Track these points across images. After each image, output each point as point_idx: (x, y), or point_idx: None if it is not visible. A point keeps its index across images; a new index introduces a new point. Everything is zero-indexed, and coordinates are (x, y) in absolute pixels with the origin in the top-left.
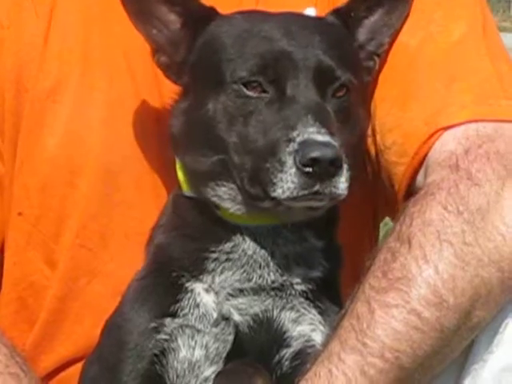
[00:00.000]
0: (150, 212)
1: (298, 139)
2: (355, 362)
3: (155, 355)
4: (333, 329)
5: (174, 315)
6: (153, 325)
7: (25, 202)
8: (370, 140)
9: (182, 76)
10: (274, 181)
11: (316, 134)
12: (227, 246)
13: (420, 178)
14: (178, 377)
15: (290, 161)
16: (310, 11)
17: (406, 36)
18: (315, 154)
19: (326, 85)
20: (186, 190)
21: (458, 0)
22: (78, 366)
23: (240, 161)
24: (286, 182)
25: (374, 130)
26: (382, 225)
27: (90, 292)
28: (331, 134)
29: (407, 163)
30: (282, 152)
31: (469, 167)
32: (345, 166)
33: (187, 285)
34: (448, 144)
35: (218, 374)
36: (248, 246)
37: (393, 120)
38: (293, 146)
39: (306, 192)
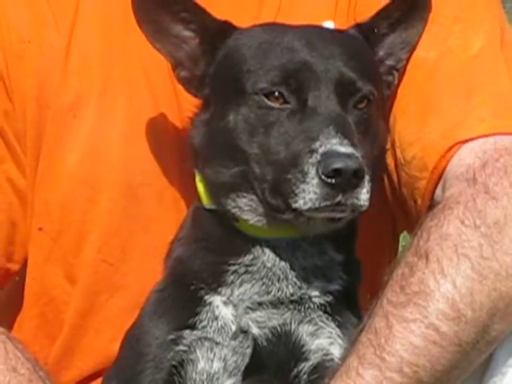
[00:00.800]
0: (171, 226)
1: (321, 150)
2: (373, 377)
3: (174, 366)
4: (351, 344)
5: (192, 327)
6: (171, 337)
7: (45, 217)
8: (388, 153)
9: (203, 89)
10: (296, 192)
11: (338, 145)
12: (246, 258)
13: (438, 191)
14: None
15: (312, 171)
16: (329, 24)
17: (424, 50)
18: (338, 165)
19: (348, 96)
20: (205, 202)
21: (477, 13)
22: (98, 381)
23: (261, 172)
24: (308, 193)
25: (393, 144)
26: (401, 238)
27: (110, 307)
28: (353, 145)
29: (428, 178)
30: (305, 163)
31: (486, 181)
32: (366, 178)
33: (206, 297)
34: (466, 158)
35: None
36: (267, 258)
37: (412, 134)
38: (315, 157)
39: (328, 203)
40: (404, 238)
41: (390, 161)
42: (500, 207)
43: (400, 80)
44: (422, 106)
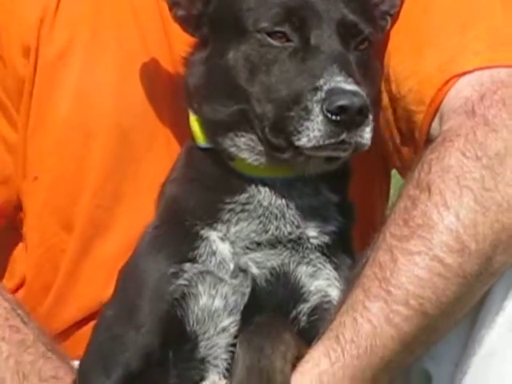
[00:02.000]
0: (163, 168)
1: (325, 87)
2: (380, 309)
3: (175, 299)
4: (354, 279)
5: (192, 261)
6: (172, 270)
7: (40, 166)
8: (382, 89)
9: (201, 28)
10: (300, 129)
11: (343, 82)
12: (242, 197)
13: (435, 125)
14: (197, 323)
15: (316, 109)
16: None
17: None
18: (344, 101)
19: (350, 37)
20: (200, 141)
21: None
22: (90, 324)
23: (262, 110)
24: (313, 131)
25: (388, 79)
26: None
27: (104, 251)
28: (357, 83)
29: (425, 111)
30: (309, 100)
31: (485, 113)
32: (370, 116)
33: (201, 232)
34: (463, 90)
35: (247, 327)
36: (263, 197)
37: (408, 68)
38: (320, 95)
39: (332, 141)
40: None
41: (383, 96)
42: (500, 139)
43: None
44: (417, 41)
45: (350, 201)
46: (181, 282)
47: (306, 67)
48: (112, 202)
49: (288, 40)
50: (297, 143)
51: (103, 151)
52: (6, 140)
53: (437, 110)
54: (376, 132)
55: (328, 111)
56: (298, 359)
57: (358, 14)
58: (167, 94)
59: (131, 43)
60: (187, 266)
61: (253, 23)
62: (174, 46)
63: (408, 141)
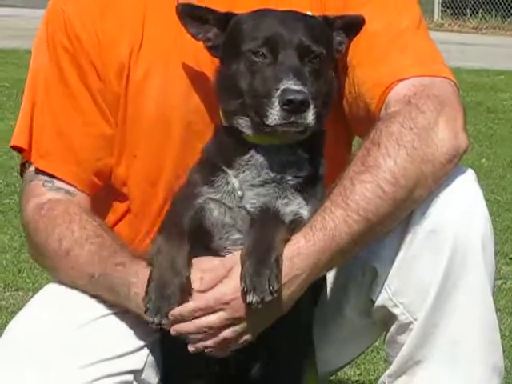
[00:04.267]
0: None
1: (282, 87)
2: (340, 214)
3: (198, 209)
4: (326, 197)
5: (209, 185)
6: (196, 190)
7: (136, 147)
8: (350, 89)
9: (219, 52)
10: (267, 114)
11: (293, 85)
12: (246, 156)
13: (383, 111)
14: (212, 225)
15: (276, 102)
16: (307, 13)
17: (370, 24)
18: (290, 97)
19: (304, 55)
20: (224, 122)
21: (405, 3)
22: None
23: (249, 102)
24: (273, 115)
25: (353, 83)
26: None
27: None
28: (303, 84)
29: (376, 102)
30: (273, 96)
31: (417, 102)
32: (311, 106)
33: (223, 168)
34: (402, 89)
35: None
36: (260, 156)
37: (366, 75)
38: (278, 93)
39: (285, 121)
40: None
41: (349, 93)
42: (426, 118)
43: (358, 44)
44: (372, 60)
45: (320, 156)
46: (200, 200)
47: (274, 75)
48: (183, 169)
49: (265, 57)
50: (266, 122)
51: (178, 135)
52: (103, 133)
53: (384, 101)
54: (341, 111)
55: (281, 103)
56: (286, 242)
57: (311, 39)
58: (214, 95)
59: (192, 67)
60: (205, 188)
61: (245, 47)
62: (215, 62)
63: (365, 119)
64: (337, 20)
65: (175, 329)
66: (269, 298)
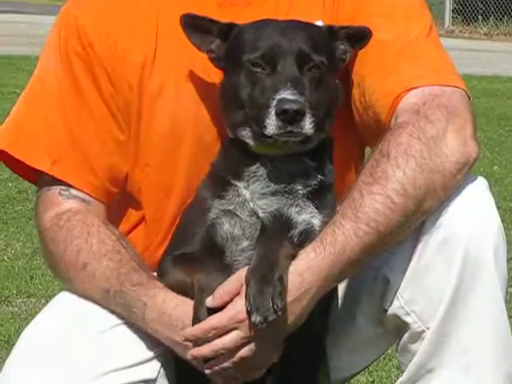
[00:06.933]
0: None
1: (278, 98)
2: (351, 227)
3: (210, 224)
4: (337, 208)
5: (221, 198)
6: (208, 205)
7: (148, 157)
8: (358, 97)
9: (222, 64)
10: (265, 124)
11: (289, 95)
12: (253, 166)
13: (393, 120)
14: (223, 240)
15: (272, 111)
16: (319, 23)
17: (380, 34)
18: (285, 107)
19: (304, 64)
20: (230, 134)
21: (415, 13)
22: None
23: (250, 112)
24: (270, 125)
25: (363, 93)
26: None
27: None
28: (300, 94)
29: (386, 112)
30: (270, 106)
31: (426, 112)
32: (308, 115)
33: (232, 181)
34: (412, 99)
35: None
36: (267, 166)
37: (376, 85)
38: (275, 102)
39: (282, 131)
40: None
41: (359, 103)
42: (435, 127)
43: (368, 54)
44: (383, 69)
45: (329, 165)
46: (211, 214)
47: (272, 85)
48: (196, 180)
49: (264, 68)
50: (265, 132)
51: (189, 148)
52: (116, 139)
53: (394, 110)
54: (351, 122)
55: (277, 113)
56: (293, 257)
57: (311, 48)
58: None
59: (203, 81)
60: (216, 201)
61: (245, 57)
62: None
63: (376, 129)
64: (341, 30)
65: (191, 354)
66: (272, 316)
